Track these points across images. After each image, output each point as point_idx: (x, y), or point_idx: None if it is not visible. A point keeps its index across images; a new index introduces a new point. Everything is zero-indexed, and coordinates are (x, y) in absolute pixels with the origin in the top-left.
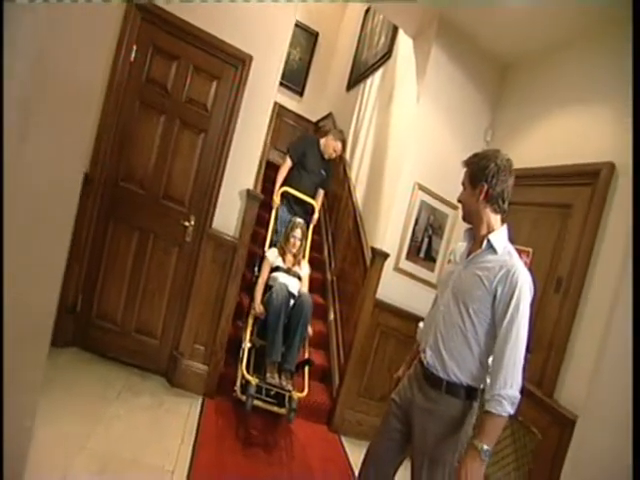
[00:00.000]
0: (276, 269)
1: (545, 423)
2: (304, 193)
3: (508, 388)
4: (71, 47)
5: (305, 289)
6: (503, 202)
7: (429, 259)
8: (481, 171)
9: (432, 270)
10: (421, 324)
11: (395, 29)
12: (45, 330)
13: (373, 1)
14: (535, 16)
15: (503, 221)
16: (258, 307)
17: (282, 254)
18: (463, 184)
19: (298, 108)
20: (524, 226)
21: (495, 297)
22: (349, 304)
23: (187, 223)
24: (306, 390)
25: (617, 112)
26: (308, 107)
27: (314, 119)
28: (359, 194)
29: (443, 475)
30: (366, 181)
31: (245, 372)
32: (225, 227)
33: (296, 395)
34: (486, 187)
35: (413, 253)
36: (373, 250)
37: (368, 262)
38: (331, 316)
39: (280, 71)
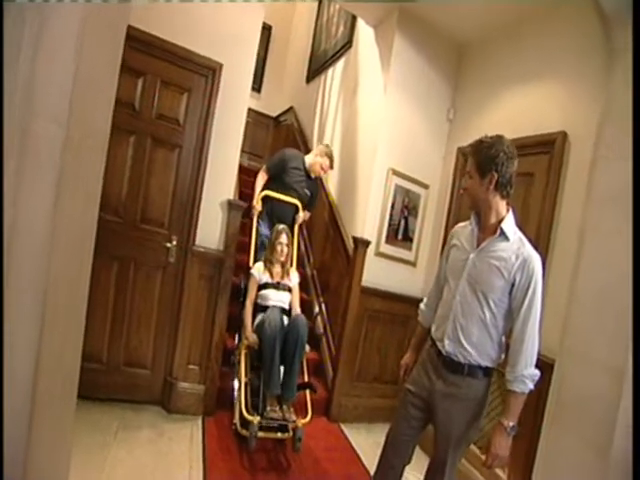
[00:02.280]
0: (264, 286)
1: None
2: (285, 213)
3: (529, 367)
4: (92, 89)
5: (296, 300)
6: (511, 187)
7: (406, 239)
8: (491, 160)
9: (410, 249)
10: (422, 305)
11: (354, 18)
12: (73, 382)
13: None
14: None
15: (507, 204)
16: (250, 337)
17: (269, 267)
18: (468, 173)
19: (257, 105)
20: None
21: (513, 285)
22: (334, 295)
23: (169, 244)
24: (309, 414)
25: (567, 85)
26: (267, 103)
27: (274, 114)
28: (332, 186)
29: (465, 450)
30: (338, 172)
31: (245, 412)
32: (209, 241)
33: (300, 423)
34: (496, 176)
35: (392, 236)
36: (355, 239)
37: (350, 251)
38: (316, 309)
39: (251, 76)
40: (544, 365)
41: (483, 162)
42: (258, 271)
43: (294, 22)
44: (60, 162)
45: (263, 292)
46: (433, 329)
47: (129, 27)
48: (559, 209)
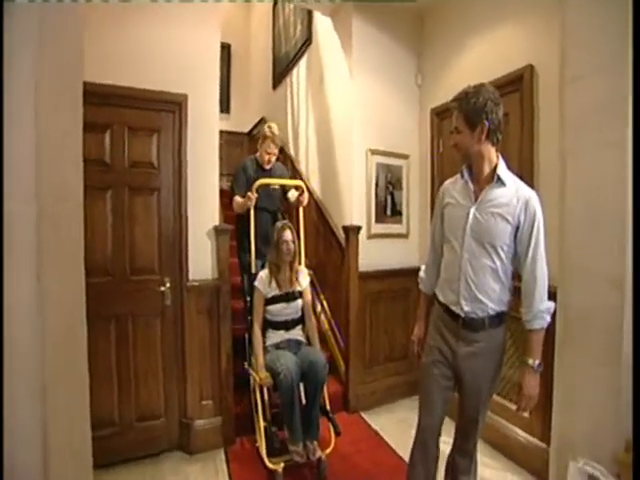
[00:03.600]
0: (272, 300)
1: None
2: (267, 229)
3: (544, 302)
4: (59, 152)
5: (308, 304)
6: (500, 133)
7: (396, 213)
8: (480, 110)
9: (400, 223)
10: (422, 273)
11: (309, 13)
12: (87, 455)
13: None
14: None
15: (496, 151)
16: (265, 378)
17: (275, 275)
18: (456, 128)
19: (228, 125)
20: None
21: (518, 227)
22: (333, 289)
23: (163, 287)
24: (332, 444)
25: (526, 21)
26: (237, 121)
27: (246, 130)
28: (315, 183)
29: (490, 401)
30: (318, 167)
31: (267, 462)
32: (202, 273)
33: (324, 456)
34: (487, 124)
35: (381, 215)
36: (345, 228)
37: (343, 243)
38: (319, 307)
39: (217, 98)
40: (552, 296)
41: (472, 113)
42: (263, 283)
43: (252, 33)
44: (37, 237)
45: (272, 308)
46: (442, 295)
47: (85, 83)
48: (537, 139)
